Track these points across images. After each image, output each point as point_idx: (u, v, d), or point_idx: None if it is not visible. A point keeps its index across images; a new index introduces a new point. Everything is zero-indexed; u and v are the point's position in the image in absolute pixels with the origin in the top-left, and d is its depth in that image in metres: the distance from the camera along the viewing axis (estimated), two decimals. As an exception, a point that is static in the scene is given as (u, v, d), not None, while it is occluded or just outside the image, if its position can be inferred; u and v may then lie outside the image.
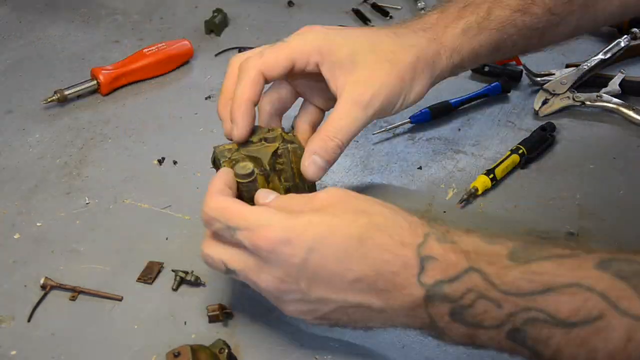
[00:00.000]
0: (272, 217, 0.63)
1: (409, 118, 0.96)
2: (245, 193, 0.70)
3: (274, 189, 0.72)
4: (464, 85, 1.05)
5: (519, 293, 0.57)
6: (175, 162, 0.93)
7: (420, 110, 0.96)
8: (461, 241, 0.61)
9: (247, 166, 0.70)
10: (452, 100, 0.99)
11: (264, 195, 0.69)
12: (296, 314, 0.66)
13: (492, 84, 1.01)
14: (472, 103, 1.00)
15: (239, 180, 0.70)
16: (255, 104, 0.74)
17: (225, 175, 0.70)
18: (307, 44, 0.74)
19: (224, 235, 0.66)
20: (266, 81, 0.74)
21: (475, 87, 1.04)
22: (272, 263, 0.63)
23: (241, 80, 0.73)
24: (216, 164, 0.75)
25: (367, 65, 0.74)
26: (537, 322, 0.56)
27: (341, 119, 0.73)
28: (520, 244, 0.60)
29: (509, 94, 1.02)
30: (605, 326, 0.54)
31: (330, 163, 0.74)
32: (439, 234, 0.61)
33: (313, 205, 0.65)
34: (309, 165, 0.73)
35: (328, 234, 0.62)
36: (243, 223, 0.63)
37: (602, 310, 0.54)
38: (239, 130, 0.73)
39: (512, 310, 0.57)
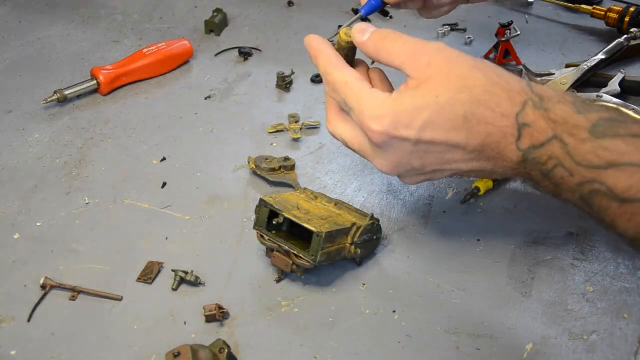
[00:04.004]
0: (383, 105, 0.67)
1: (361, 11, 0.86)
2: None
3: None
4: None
5: (588, 165, 0.62)
6: (175, 162, 0.93)
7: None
8: (554, 108, 0.64)
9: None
10: None
11: (360, 32, 0.71)
12: (415, 183, 0.74)
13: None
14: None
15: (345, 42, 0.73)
16: None
17: (331, 49, 0.73)
18: None
19: (344, 110, 0.72)
20: None
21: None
22: (386, 150, 0.68)
23: None
24: (256, 211, 0.78)
25: None
26: (599, 194, 0.61)
27: None
28: (605, 118, 0.63)
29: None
30: None
31: None
32: (535, 100, 0.65)
33: (417, 85, 0.67)
34: None
35: (435, 118, 0.66)
36: (358, 107, 0.69)
37: None
38: None
39: (581, 181, 0.62)
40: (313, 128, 0.98)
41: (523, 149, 0.64)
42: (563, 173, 0.63)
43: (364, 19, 0.86)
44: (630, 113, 0.66)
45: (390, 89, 0.72)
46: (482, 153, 0.66)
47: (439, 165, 0.68)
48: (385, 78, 0.74)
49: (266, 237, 0.76)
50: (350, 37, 0.72)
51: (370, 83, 0.72)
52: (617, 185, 0.60)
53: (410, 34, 1.11)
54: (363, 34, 0.71)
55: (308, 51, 0.74)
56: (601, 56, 1.03)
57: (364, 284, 0.77)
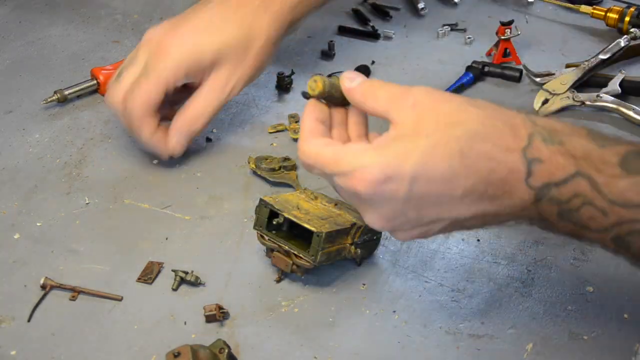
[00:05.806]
0: (365, 157, 0.61)
1: None
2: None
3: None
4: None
5: (627, 204, 0.57)
6: (175, 163, 0.93)
7: None
8: (569, 142, 0.59)
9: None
10: None
11: (349, 79, 0.65)
12: (410, 238, 0.66)
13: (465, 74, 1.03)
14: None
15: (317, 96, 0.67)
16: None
17: (313, 108, 0.67)
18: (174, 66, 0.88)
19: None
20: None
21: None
22: (376, 203, 0.62)
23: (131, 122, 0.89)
24: (256, 210, 0.77)
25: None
26: None
27: (202, 103, 0.89)
28: (632, 151, 0.58)
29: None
30: None
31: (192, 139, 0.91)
32: (544, 134, 0.59)
33: (403, 128, 0.61)
34: (176, 144, 0.89)
35: (428, 158, 0.59)
36: (338, 169, 0.62)
37: None
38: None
39: (618, 221, 0.57)
40: (313, 128, 0.98)
41: (536, 187, 0.58)
42: (593, 212, 0.58)
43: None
44: None
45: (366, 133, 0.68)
46: (485, 193, 0.60)
47: (436, 214, 0.62)
48: (361, 121, 0.67)
49: (266, 237, 0.76)
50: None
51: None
52: None
53: (410, 34, 1.11)
54: (351, 81, 0.65)
55: None
56: (601, 56, 1.03)
57: (364, 284, 0.77)
